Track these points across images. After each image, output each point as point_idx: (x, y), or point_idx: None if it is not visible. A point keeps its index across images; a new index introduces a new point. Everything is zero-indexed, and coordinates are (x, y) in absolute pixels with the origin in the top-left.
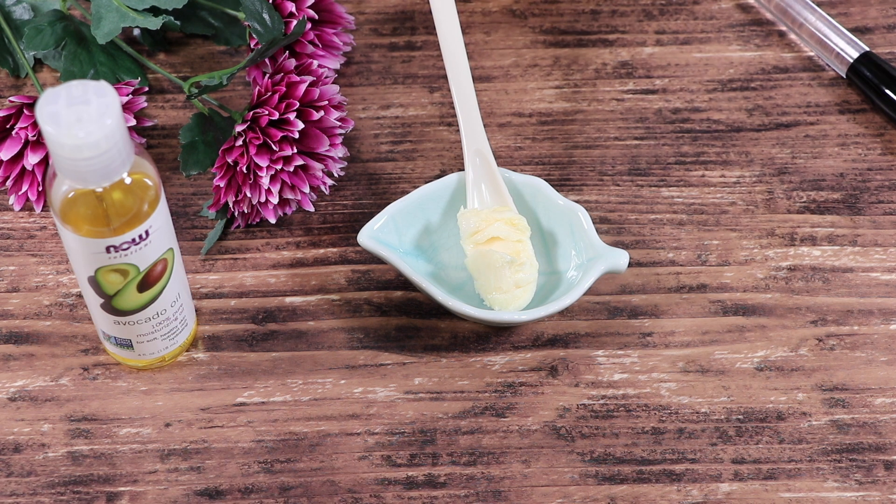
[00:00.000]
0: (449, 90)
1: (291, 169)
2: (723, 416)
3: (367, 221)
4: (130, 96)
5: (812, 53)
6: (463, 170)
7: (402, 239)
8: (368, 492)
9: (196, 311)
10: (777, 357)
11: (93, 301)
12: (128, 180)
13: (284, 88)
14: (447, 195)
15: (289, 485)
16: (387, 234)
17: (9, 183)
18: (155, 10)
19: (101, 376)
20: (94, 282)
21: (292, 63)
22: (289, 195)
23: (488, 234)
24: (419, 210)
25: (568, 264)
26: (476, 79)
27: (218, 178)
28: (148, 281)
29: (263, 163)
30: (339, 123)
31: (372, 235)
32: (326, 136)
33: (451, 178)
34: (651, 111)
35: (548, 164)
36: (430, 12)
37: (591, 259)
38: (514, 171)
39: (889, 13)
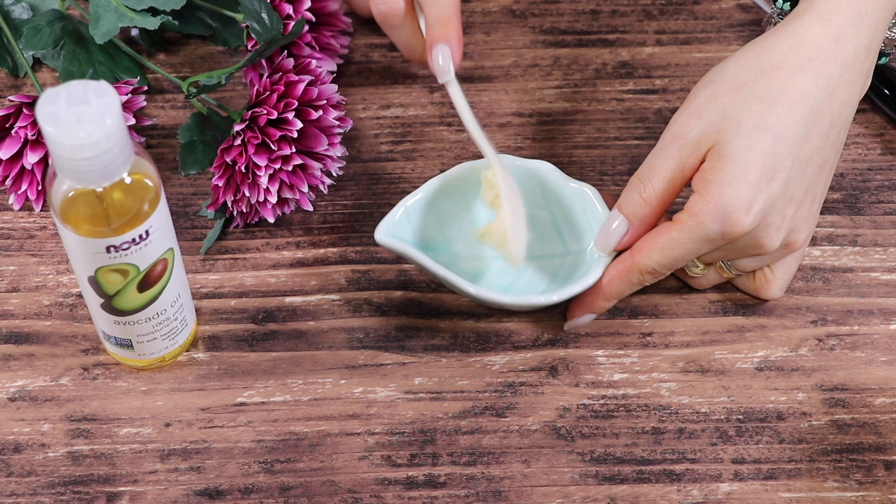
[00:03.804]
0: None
1: (290, 168)
2: (723, 416)
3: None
4: (129, 95)
5: None
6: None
7: (415, 233)
8: (368, 492)
9: (196, 311)
10: (777, 357)
11: (93, 301)
12: (128, 180)
13: (283, 88)
14: (456, 186)
15: (289, 485)
16: (401, 230)
17: (8, 182)
18: (153, 11)
19: (101, 376)
20: (95, 282)
21: (290, 62)
22: (287, 194)
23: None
24: (431, 203)
25: (585, 243)
26: (476, 79)
27: (216, 177)
28: (148, 281)
29: (262, 162)
30: (337, 123)
31: (388, 232)
32: (325, 136)
33: (459, 169)
34: (651, 111)
35: None
36: None
37: None
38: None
39: None
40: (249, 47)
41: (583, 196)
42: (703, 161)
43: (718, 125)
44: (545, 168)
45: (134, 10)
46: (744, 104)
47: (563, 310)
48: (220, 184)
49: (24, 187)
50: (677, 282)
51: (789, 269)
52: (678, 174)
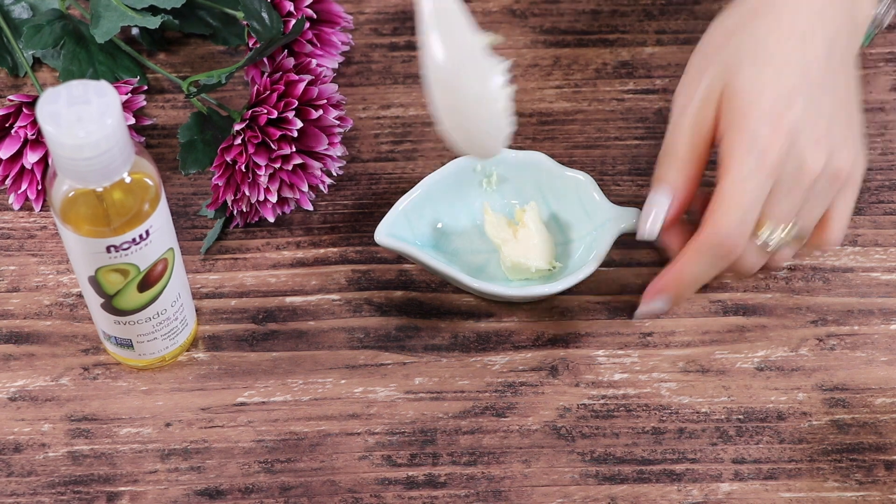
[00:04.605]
0: None
1: (290, 168)
2: (723, 416)
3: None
4: (129, 95)
5: None
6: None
7: (415, 232)
8: (369, 492)
9: (196, 310)
10: (777, 357)
11: (93, 301)
12: (128, 180)
13: (283, 87)
14: (452, 182)
15: (289, 485)
16: (400, 229)
17: (8, 182)
18: (153, 10)
19: (101, 376)
20: (95, 281)
21: (291, 62)
22: (287, 194)
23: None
24: (427, 202)
25: (582, 232)
26: None
27: (216, 176)
28: (148, 281)
29: (262, 161)
30: (337, 122)
31: (388, 233)
32: (325, 135)
33: (454, 165)
34: (651, 111)
35: None
36: None
37: (605, 222)
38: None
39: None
40: (250, 45)
41: (578, 184)
42: (719, 112)
43: (721, 73)
44: (538, 158)
45: (134, 9)
46: (737, 48)
47: (564, 308)
48: (221, 183)
49: (23, 187)
50: None
51: (845, 209)
52: (701, 130)
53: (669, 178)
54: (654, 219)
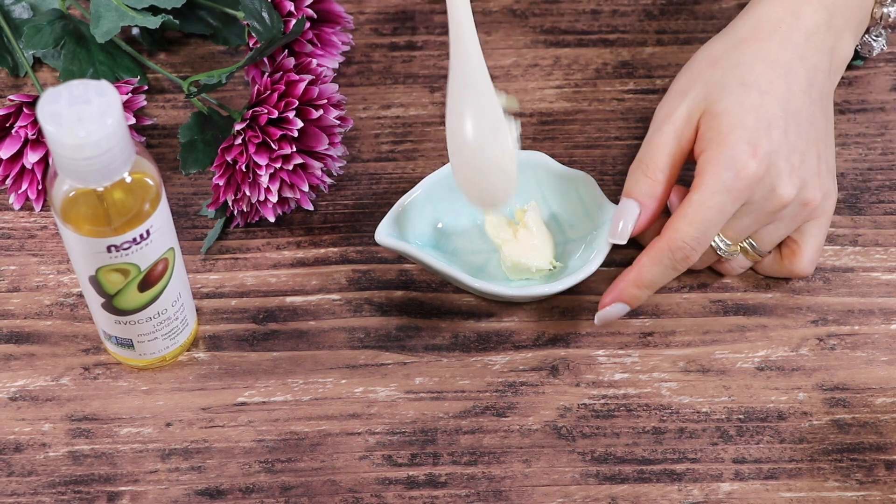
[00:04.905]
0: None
1: (290, 167)
2: (724, 416)
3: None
4: (130, 95)
5: None
6: None
7: (415, 232)
8: (369, 491)
9: (197, 310)
10: (778, 357)
11: (94, 301)
12: (129, 180)
13: (283, 87)
14: (452, 182)
15: (290, 484)
16: (401, 229)
17: (8, 182)
18: (154, 10)
19: (101, 376)
20: (95, 281)
21: (291, 62)
22: (288, 194)
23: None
24: (428, 202)
25: (583, 231)
26: None
27: (217, 176)
28: (149, 280)
29: (262, 161)
30: (338, 122)
31: (388, 233)
32: (326, 135)
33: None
34: (652, 111)
35: None
36: (431, 13)
37: (605, 222)
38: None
39: None
40: (250, 45)
41: (578, 183)
42: (697, 131)
43: (704, 94)
44: (539, 158)
45: (135, 8)
46: (723, 72)
47: (564, 308)
48: (221, 183)
49: (24, 187)
50: (678, 282)
51: (816, 239)
52: (677, 149)
53: (639, 191)
54: (622, 230)
